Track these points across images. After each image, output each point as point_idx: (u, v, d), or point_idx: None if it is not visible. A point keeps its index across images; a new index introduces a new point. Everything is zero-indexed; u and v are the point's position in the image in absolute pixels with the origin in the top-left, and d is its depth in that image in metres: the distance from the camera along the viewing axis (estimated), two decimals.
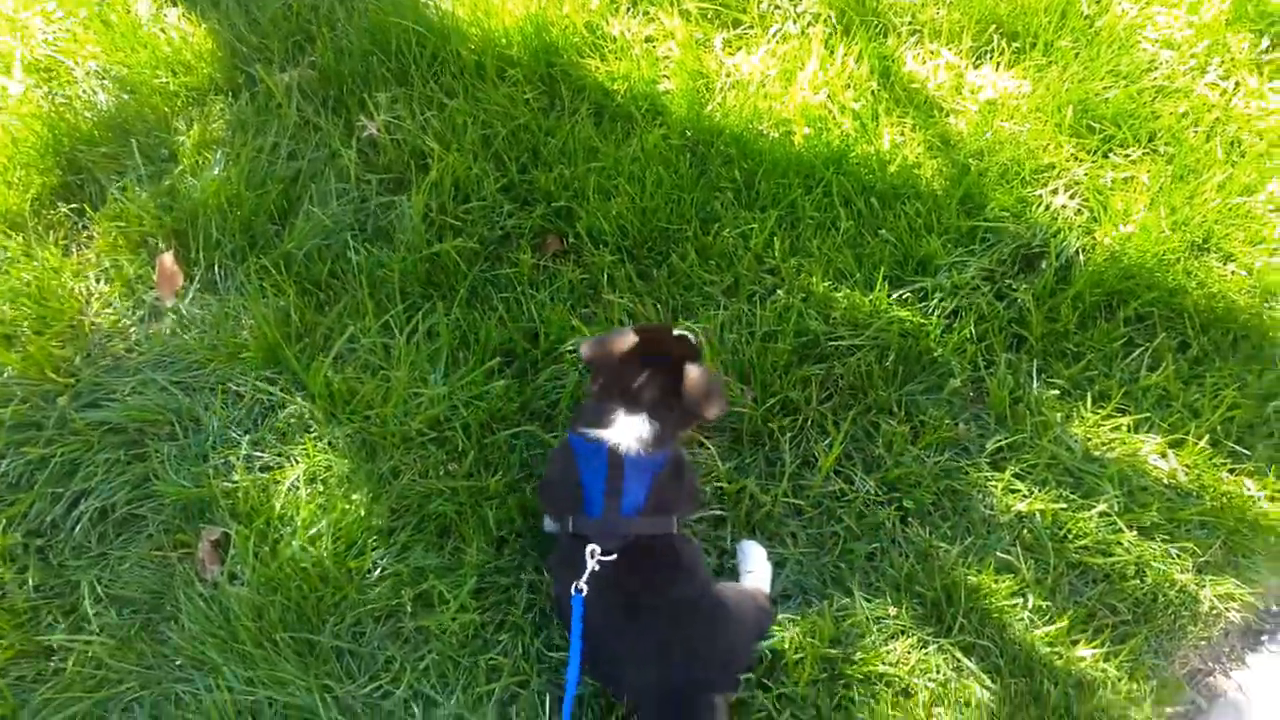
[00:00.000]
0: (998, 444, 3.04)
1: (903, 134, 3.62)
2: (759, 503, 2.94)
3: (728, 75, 3.75)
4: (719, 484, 2.96)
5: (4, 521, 2.88)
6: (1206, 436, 3.08)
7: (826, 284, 3.25)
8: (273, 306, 3.16)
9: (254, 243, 3.32)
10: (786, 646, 2.70)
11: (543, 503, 2.85)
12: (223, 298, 3.25)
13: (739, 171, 3.45)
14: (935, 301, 3.23)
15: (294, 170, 3.47)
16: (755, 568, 2.84)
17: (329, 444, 2.98)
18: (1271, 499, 3.02)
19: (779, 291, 3.23)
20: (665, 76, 3.74)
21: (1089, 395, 3.13)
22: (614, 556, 2.52)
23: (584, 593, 2.50)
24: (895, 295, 3.24)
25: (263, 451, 2.99)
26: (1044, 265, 3.32)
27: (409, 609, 2.75)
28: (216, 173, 3.41)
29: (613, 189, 3.37)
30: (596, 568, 2.51)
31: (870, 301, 3.21)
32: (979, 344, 3.19)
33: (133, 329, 3.24)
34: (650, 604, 2.54)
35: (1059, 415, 3.10)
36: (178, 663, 2.72)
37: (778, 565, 2.87)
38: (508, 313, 3.18)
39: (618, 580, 2.52)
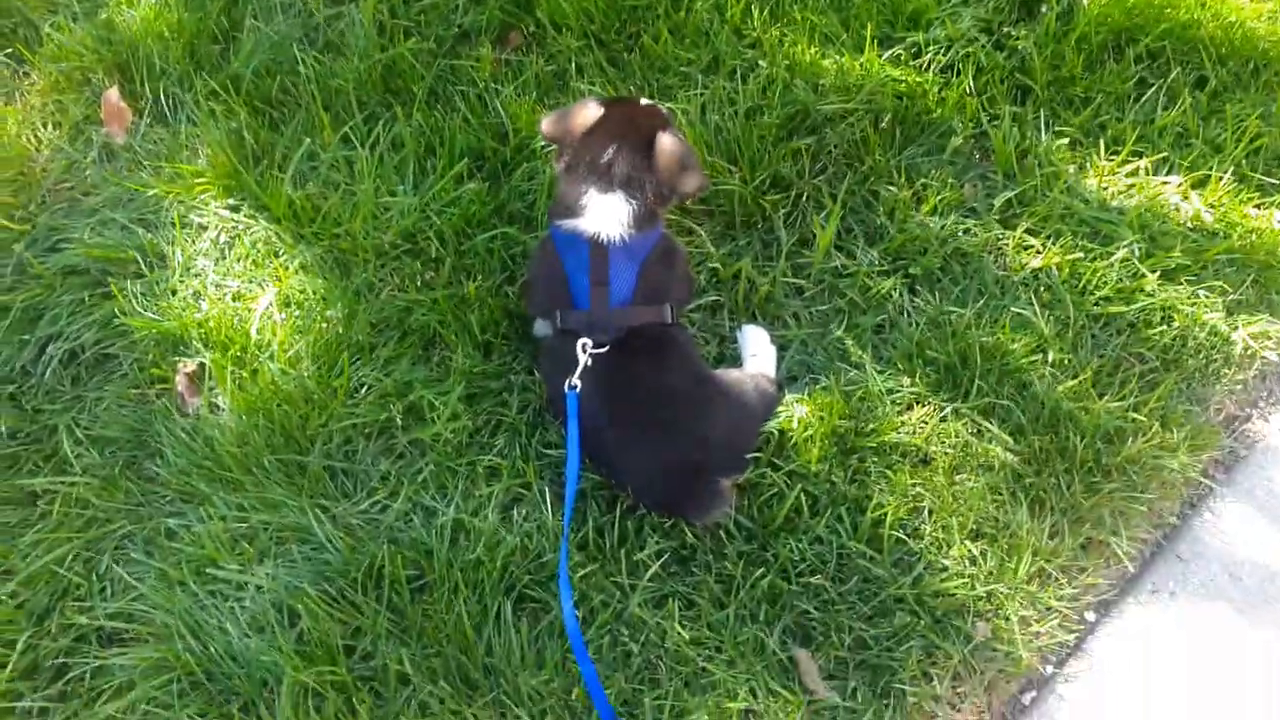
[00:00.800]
0: (1006, 200, 2.85)
1: None
2: (756, 285, 2.77)
3: None
4: (713, 267, 2.79)
5: None
6: (1230, 171, 2.87)
7: (813, 51, 3.03)
8: (224, 130, 2.97)
9: (199, 67, 3.12)
10: (794, 426, 2.56)
11: (528, 304, 2.70)
12: (174, 128, 3.07)
13: None
14: (929, 57, 3.00)
15: None
16: (758, 351, 2.69)
17: (300, 265, 2.83)
18: None
19: (761, 64, 3.00)
20: None
21: (1101, 142, 2.92)
22: (605, 350, 2.39)
23: (578, 389, 2.37)
24: (886, 55, 3.01)
25: (232, 280, 2.85)
26: (1044, 9, 3.07)
27: (399, 422, 2.63)
28: (153, 0, 3.20)
29: None
30: (589, 363, 2.38)
31: (860, 65, 2.98)
32: (980, 98, 2.97)
33: (87, 171, 3.07)
34: (644, 395, 2.42)
35: (1071, 166, 2.90)
36: (166, 497, 2.62)
37: (781, 348, 2.72)
38: (472, 113, 2.97)
39: (611, 373, 2.38)
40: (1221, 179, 2.85)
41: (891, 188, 2.87)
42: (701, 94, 2.97)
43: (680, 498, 2.45)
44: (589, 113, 2.49)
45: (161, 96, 3.09)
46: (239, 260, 2.88)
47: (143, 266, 2.88)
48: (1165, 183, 2.87)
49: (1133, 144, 2.90)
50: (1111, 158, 2.90)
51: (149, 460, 2.67)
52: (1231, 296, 2.74)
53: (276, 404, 2.63)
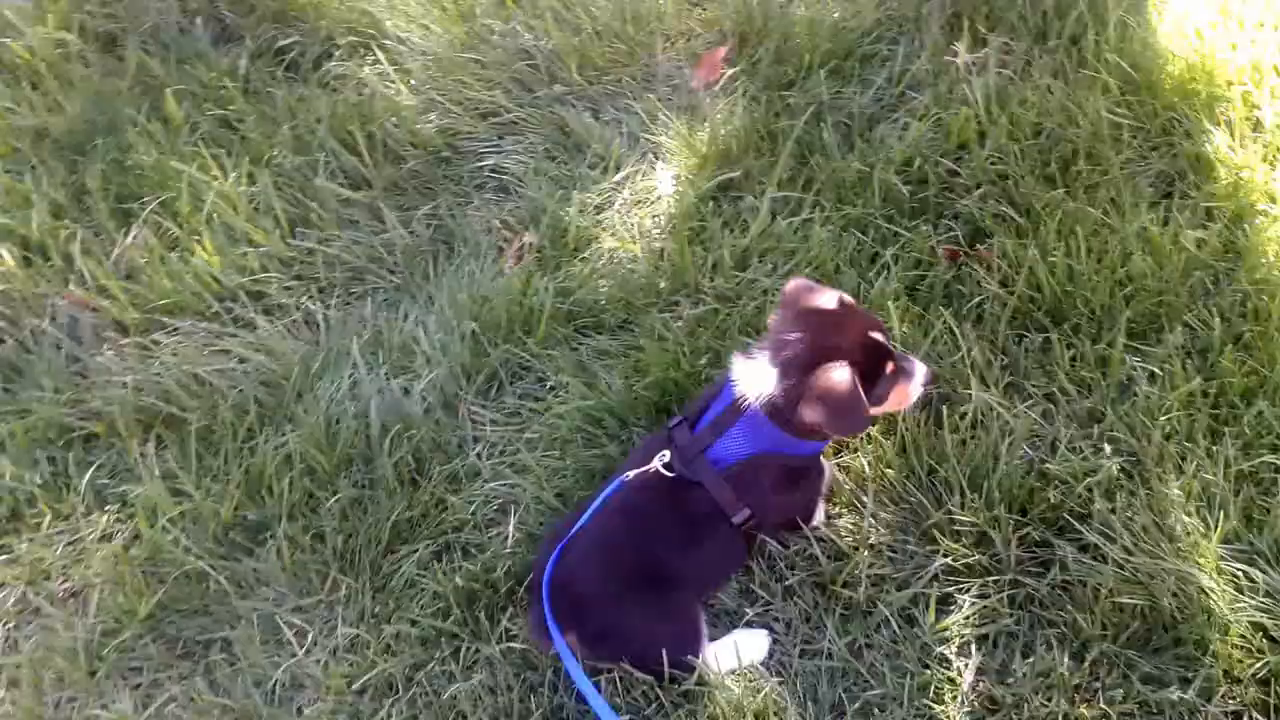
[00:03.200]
0: None
1: None
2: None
3: None
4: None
5: None
6: None
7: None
8: None
9: None
10: None
11: None
12: None
13: None
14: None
15: None
16: (738, 647, 2.43)
17: None
18: None
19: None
20: None
21: None
22: (667, 473, 2.33)
23: (627, 480, 2.37)
24: None
25: None
26: None
27: None
28: None
29: None
30: (657, 466, 2.34)
31: None
32: None
33: None
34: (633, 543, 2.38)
35: None
36: None
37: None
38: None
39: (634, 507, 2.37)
40: None
41: None
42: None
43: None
44: (825, 299, 2.36)
45: None
46: None
47: None
48: None
49: None
50: None
51: None
52: None
53: None
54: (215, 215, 3.36)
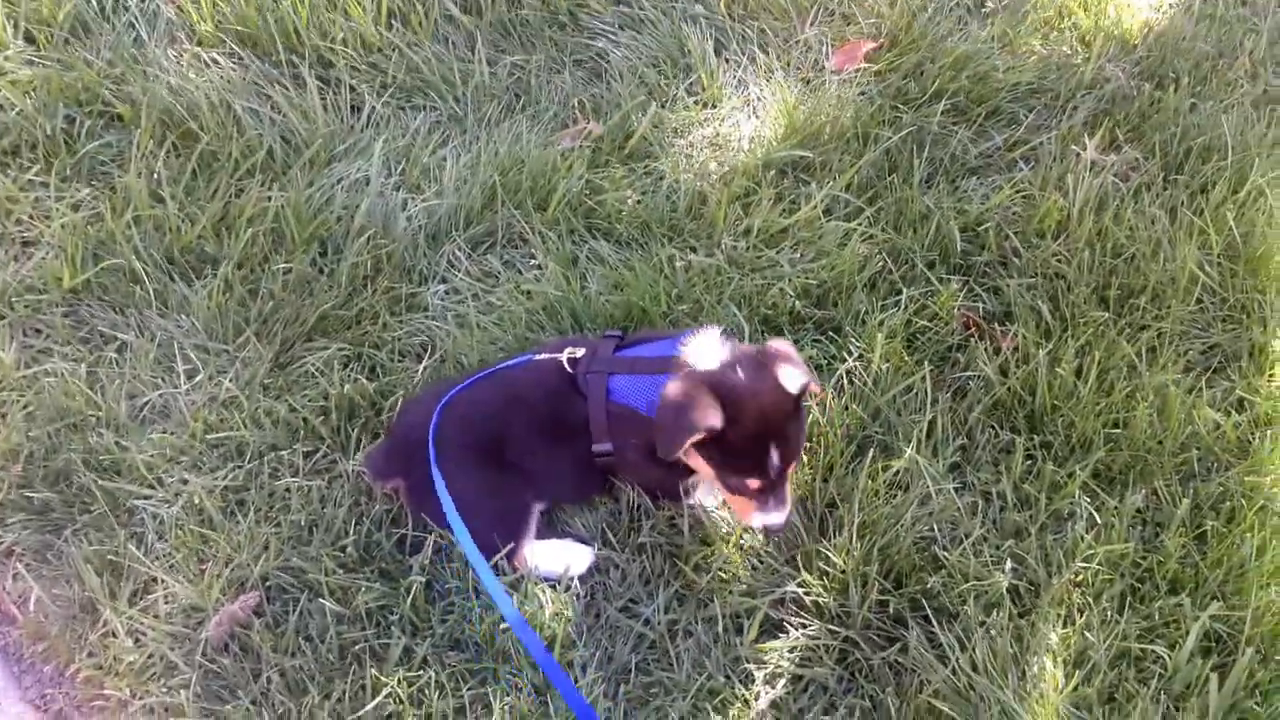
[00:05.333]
0: None
1: None
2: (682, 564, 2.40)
3: None
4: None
5: None
6: None
7: None
8: None
9: None
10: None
11: None
12: None
13: None
14: None
15: None
16: (559, 553, 2.39)
17: None
18: None
19: None
20: None
21: None
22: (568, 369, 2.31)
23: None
24: None
25: None
26: None
27: None
28: None
29: None
30: (563, 359, 2.31)
31: None
32: None
33: None
34: (520, 420, 2.35)
35: None
36: None
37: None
38: None
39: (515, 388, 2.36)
40: None
41: None
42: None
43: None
44: (792, 377, 2.18)
45: None
46: None
47: None
48: None
49: None
50: None
51: None
52: None
53: None
54: None
